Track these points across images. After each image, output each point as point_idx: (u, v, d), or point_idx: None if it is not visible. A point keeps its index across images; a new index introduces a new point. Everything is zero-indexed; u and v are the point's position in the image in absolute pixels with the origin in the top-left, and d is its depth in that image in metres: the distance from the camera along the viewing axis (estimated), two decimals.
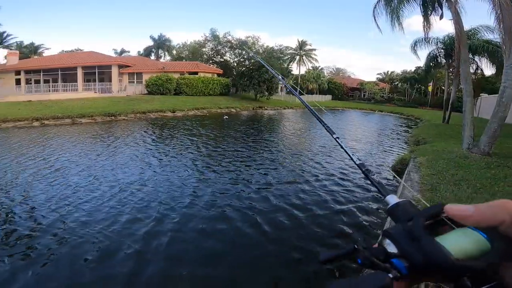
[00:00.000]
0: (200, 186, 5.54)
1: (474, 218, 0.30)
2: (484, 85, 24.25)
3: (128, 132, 11.95)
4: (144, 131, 12.19)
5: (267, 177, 6.27)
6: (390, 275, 0.28)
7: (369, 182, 0.45)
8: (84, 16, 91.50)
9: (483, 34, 15.21)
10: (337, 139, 0.58)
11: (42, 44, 45.42)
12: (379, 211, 4.68)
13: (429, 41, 16.52)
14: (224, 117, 18.29)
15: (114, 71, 26.41)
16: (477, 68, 17.11)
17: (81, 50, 44.89)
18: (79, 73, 25.55)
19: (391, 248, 0.31)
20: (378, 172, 7.15)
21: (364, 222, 4.30)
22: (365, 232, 4.03)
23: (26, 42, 42.30)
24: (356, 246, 0.32)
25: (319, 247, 3.55)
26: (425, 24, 10.35)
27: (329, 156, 8.54)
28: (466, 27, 10.97)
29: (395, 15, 9.80)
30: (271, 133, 13.41)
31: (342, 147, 0.56)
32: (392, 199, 0.37)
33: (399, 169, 7.06)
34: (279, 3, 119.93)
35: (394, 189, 5.07)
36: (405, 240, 0.30)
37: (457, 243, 0.29)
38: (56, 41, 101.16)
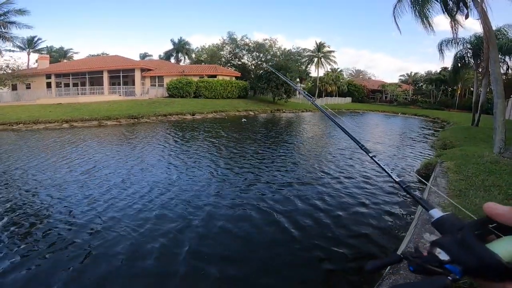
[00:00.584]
0: (223, 186, 5.64)
1: (506, 217, 0.33)
2: None
3: (152, 134, 12.37)
4: (167, 133, 12.57)
5: (287, 178, 6.25)
6: (450, 278, 0.32)
7: (409, 196, 0.47)
8: (109, 21, 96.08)
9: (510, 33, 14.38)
10: (373, 158, 0.58)
11: (71, 49, 48.19)
12: (403, 214, 4.54)
13: (456, 41, 15.83)
14: (243, 120, 18.43)
15: (137, 74, 27.40)
16: (507, 68, 16.16)
17: (106, 54, 47.17)
18: (105, 76, 26.73)
19: (442, 256, 0.34)
20: (402, 176, 6.91)
21: (389, 223, 4.18)
22: (392, 235, 3.92)
23: (56, 47, 45.05)
24: (402, 256, 0.37)
25: (339, 246, 3.50)
26: (453, 24, 9.92)
27: (350, 159, 8.38)
28: (494, 26, 10.37)
29: (422, 14, 9.44)
30: (290, 136, 13.35)
31: (380, 166, 0.56)
32: (436, 213, 0.41)
33: (424, 174, 6.79)
34: (296, 4, 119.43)
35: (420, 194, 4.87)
36: (458, 248, 0.33)
37: (506, 248, 0.32)
38: (83, 46, 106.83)
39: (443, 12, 9.55)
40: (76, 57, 46.10)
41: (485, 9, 7.87)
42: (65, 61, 40.01)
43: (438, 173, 5.56)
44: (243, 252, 3.44)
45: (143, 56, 53.24)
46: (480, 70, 16.29)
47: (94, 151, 8.55)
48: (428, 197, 4.25)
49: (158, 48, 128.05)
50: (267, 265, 3.19)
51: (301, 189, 5.63)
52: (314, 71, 42.73)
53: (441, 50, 16.35)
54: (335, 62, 43.04)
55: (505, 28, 14.39)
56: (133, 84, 27.10)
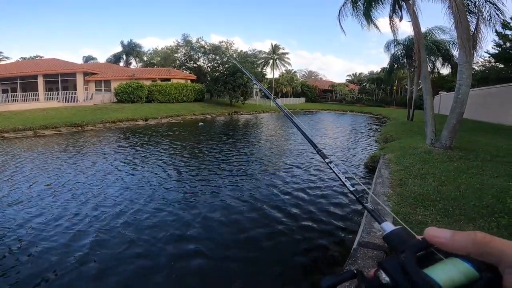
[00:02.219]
0: (169, 197, 5.40)
1: (446, 245, 0.32)
2: (443, 84, 26.24)
3: (97, 143, 11.35)
4: (114, 141, 11.65)
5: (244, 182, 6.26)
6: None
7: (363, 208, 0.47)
8: (47, 22, 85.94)
9: (436, 35, 16.55)
10: (329, 164, 0.58)
11: (1, 52, 42.10)
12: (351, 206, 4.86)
13: (397, 42, 17.66)
14: (200, 124, 18.04)
15: (79, 79, 25.04)
16: (433, 68, 18.48)
17: (41, 57, 42.12)
18: (40, 81, 23.91)
19: (386, 279, 0.32)
20: (354, 172, 7.41)
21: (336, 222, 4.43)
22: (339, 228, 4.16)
23: None
24: (355, 272, 0.36)
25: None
26: (391, 26, 10.91)
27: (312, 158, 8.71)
28: (423, 28, 11.74)
29: (366, 15, 10.21)
30: (248, 138, 13.42)
31: (335, 173, 0.56)
32: (388, 227, 0.39)
33: (371, 166, 7.40)
34: (254, 7, 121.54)
35: (369, 187, 5.27)
36: (398, 274, 0.31)
37: (446, 273, 0.30)
38: (16, 49, 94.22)
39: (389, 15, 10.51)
40: (7, 62, 40.37)
41: (415, 12, 8.86)
42: None
43: (382, 165, 6.09)
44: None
45: (87, 59, 48.95)
46: (412, 69, 18.38)
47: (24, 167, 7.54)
48: (374, 187, 4.62)
49: (106, 51, 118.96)
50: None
51: (254, 186, 5.69)
52: (270, 73, 43.87)
53: (388, 49, 18.22)
54: (289, 63, 44.75)
55: (433, 30, 16.45)
56: (75, 89, 24.68)
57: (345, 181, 0.53)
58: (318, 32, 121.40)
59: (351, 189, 0.50)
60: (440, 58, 17.46)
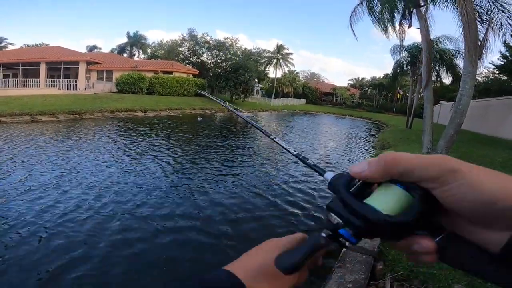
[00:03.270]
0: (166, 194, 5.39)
1: (368, 176, 0.31)
2: (444, 93, 26.29)
3: (94, 132, 11.29)
4: (111, 131, 11.61)
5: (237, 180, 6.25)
6: (323, 234, 0.33)
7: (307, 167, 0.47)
8: (53, 11, 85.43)
9: (442, 44, 16.43)
10: (274, 139, 0.60)
11: (5, 38, 41.97)
12: None
13: (402, 48, 17.52)
14: (198, 119, 18.00)
15: (82, 67, 24.93)
16: (437, 76, 18.43)
17: (46, 45, 41.94)
18: (42, 68, 23.82)
19: (337, 220, 0.32)
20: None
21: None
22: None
23: None
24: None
25: None
26: (400, 31, 10.82)
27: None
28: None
29: (381, 20, 10.07)
30: (246, 137, 13.41)
31: (279, 144, 0.58)
32: (329, 176, 0.38)
33: None
34: (260, 5, 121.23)
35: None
36: (342, 209, 0.31)
37: (383, 200, 0.30)
38: (22, 36, 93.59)
39: (390, 21, 10.43)
40: (12, 48, 40.21)
41: (427, 20, 8.83)
42: None
43: None
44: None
45: (91, 48, 48.74)
46: (415, 77, 18.36)
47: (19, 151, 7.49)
48: None
49: (111, 42, 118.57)
50: None
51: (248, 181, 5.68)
52: (272, 72, 43.83)
53: (392, 55, 18.11)
54: (292, 64, 44.68)
55: (440, 39, 16.27)
56: (76, 78, 24.58)
57: (288, 147, 0.53)
58: (322, 33, 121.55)
59: (294, 153, 0.51)
60: (444, 67, 17.37)
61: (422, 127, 8.29)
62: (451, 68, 17.13)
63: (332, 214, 0.33)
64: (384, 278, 2.44)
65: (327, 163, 8.58)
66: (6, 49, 38.77)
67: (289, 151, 0.53)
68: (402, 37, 10.94)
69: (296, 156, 0.51)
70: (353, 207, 0.30)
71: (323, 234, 0.34)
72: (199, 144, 10.09)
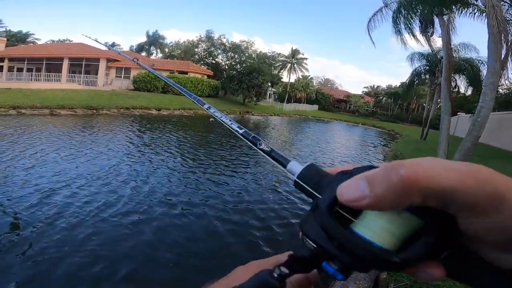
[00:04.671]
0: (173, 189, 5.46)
1: (370, 205, 0.20)
2: (463, 104, 25.54)
3: (109, 127, 11.62)
4: (126, 127, 11.89)
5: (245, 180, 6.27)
6: (275, 274, 0.23)
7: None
8: (80, 8, 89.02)
9: (464, 53, 15.85)
10: (208, 110, 0.50)
11: (32, 34, 43.92)
12: None
13: (420, 57, 17.09)
14: (211, 119, 18.17)
15: (102, 64, 25.74)
16: (455, 87, 17.80)
17: (70, 41, 43.62)
18: (65, 64, 24.70)
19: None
20: None
21: None
22: None
23: (14, 31, 40.84)
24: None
25: None
26: (426, 39, 10.59)
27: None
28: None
29: (407, 28, 9.82)
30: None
31: (216, 117, 0.47)
32: (295, 167, 0.29)
33: None
34: (277, 9, 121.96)
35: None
36: (322, 239, 0.22)
37: (379, 227, 0.21)
38: (46, 32, 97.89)
39: (420, 29, 10.22)
40: (37, 43, 42.00)
41: (449, 31, 8.64)
42: (22, 45, 36.20)
43: None
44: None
45: (111, 46, 50.16)
46: (433, 86, 17.85)
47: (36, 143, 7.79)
48: None
49: (130, 40, 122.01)
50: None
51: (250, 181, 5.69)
52: (286, 77, 43.81)
53: (411, 62, 17.70)
54: (307, 69, 44.51)
55: (458, 48, 15.71)
56: (96, 74, 25.38)
57: (231, 123, 0.41)
58: (339, 40, 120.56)
59: (240, 131, 0.39)
60: (465, 77, 16.71)
61: (437, 139, 8.07)
62: (471, 79, 16.52)
63: (307, 239, 0.24)
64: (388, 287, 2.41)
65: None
66: (32, 44, 40.53)
67: (231, 128, 0.41)
68: (428, 44, 10.73)
69: (243, 136, 0.39)
70: (340, 240, 0.21)
71: (277, 272, 0.23)
72: (215, 142, 10.20)
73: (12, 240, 3.19)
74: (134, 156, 7.40)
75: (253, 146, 0.36)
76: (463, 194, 0.18)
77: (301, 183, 0.26)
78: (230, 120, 0.43)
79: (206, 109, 0.53)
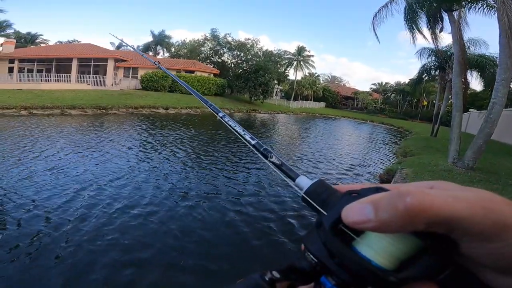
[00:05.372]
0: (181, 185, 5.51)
1: (374, 228, 0.21)
2: (474, 101, 24.95)
3: (122, 126, 11.79)
4: (135, 127, 12.05)
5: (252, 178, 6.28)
6: (266, 277, 0.24)
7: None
8: (86, 9, 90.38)
9: (475, 48, 15.46)
10: (222, 118, 0.51)
11: (41, 35, 44.73)
12: None
13: (429, 52, 16.72)
14: (218, 118, 18.24)
15: (110, 64, 26.09)
16: (465, 82, 17.32)
17: (78, 41, 44.35)
18: (74, 64, 25.15)
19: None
20: (365, 180, 7.24)
21: None
22: None
23: (23, 32, 41.67)
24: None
25: None
26: (433, 36, 10.36)
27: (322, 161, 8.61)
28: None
29: (415, 26, 9.66)
30: (265, 138, 13.43)
31: (229, 126, 0.48)
32: (304, 182, 0.29)
33: (386, 179, 7.18)
34: (284, 7, 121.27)
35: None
36: (324, 256, 0.24)
37: (380, 246, 0.22)
38: (54, 33, 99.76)
39: (427, 26, 10.00)
40: (46, 45, 42.81)
41: (461, 27, 8.43)
42: (32, 46, 36.97)
43: (398, 179, 5.91)
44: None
45: (118, 46, 50.79)
46: (443, 82, 17.46)
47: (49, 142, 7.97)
48: None
49: (136, 39, 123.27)
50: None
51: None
52: (293, 74, 43.58)
53: (420, 56, 17.33)
54: (313, 66, 44.16)
55: (468, 43, 15.33)
56: (105, 74, 25.76)
57: (244, 133, 0.42)
58: (346, 37, 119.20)
59: (252, 142, 0.40)
60: (475, 73, 16.30)
61: (448, 136, 7.91)
62: (483, 74, 16.09)
63: (309, 253, 0.25)
64: None
65: (344, 169, 8.42)
66: (42, 45, 41.34)
67: (243, 138, 0.41)
68: (435, 42, 10.47)
69: (254, 147, 0.39)
70: (340, 258, 0.23)
71: (268, 276, 0.24)
72: (218, 142, 10.25)
73: (50, 235, 3.33)
74: (152, 154, 7.62)
75: (263, 158, 0.37)
76: (469, 223, 0.18)
77: (308, 199, 0.27)
78: (243, 130, 0.44)
79: (221, 117, 0.54)
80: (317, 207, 0.26)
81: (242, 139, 0.42)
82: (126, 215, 4.01)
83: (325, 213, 0.25)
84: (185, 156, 7.72)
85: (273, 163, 0.35)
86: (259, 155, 0.38)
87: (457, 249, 0.21)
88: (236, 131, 0.45)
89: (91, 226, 3.63)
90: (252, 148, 0.39)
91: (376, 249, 0.22)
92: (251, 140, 0.40)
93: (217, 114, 0.55)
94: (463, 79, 16.00)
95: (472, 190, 0.20)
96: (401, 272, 0.21)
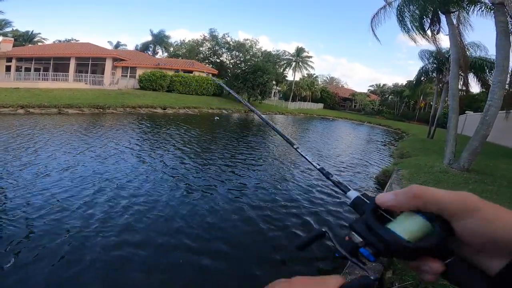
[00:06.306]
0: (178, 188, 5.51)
1: (394, 206, 0.35)
2: (471, 103, 25.10)
3: (115, 126, 11.74)
4: (132, 126, 12.01)
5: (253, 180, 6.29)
6: (372, 277, 0.32)
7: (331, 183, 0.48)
8: (87, 9, 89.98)
9: (473, 51, 15.53)
10: (297, 149, 0.60)
11: (39, 33, 44.49)
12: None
13: (428, 54, 16.77)
14: (215, 118, 18.25)
15: (108, 64, 25.98)
16: (464, 84, 17.41)
17: (76, 40, 44.14)
18: (72, 63, 25.01)
19: (357, 239, 0.35)
20: (362, 185, 7.27)
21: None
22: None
23: (21, 30, 41.46)
24: (324, 230, 0.39)
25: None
26: (433, 37, 10.43)
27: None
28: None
29: (414, 25, 9.67)
30: (261, 138, 13.44)
31: (303, 156, 0.58)
32: (353, 194, 0.41)
33: (382, 180, 7.21)
34: (284, 8, 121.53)
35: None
36: (366, 231, 0.34)
37: (405, 227, 0.33)
38: (53, 31, 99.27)
39: (423, 27, 10.05)
40: (44, 43, 42.55)
41: (459, 27, 8.49)
42: (30, 45, 36.75)
43: (394, 180, 5.94)
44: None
45: (117, 45, 50.62)
46: (440, 84, 17.55)
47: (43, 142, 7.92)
48: None
49: (135, 39, 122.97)
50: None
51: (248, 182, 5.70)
52: (291, 75, 43.63)
53: (422, 59, 17.38)
54: (312, 67, 44.27)
55: (469, 47, 15.36)
56: (103, 73, 25.64)
57: (312, 160, 0.55)
58: (346, 38, 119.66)
59: (318, 167, 0.52)
60: (472, 75, 16.37)
61: (444, 138, 7.96)
62: (480, 76, 16.17)
63: (354, 233, 0.36)
64: (393, 286, 2.40)
65: (343, 168, 8.44)
66: (40, 43, 41.10)
67: (312, 164, 0.54)
68: (435, 43, 10.53)
69: (319, 170, 0.52)
70: (377, 231, 0.33)
71: (372, 277, 0.32)
72: (225, 138, 10.23)
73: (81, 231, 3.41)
74: (159, 152, 7.72)
75: (325, 178, 0.50)
76: (449, 205, 0.31)
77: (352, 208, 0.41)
78: (312, 159, 0.56)
79: (295, 148, 0.61)
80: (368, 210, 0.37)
81: (311, 164, 0.55)
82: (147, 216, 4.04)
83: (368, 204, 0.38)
84: (192, 153, 7.72)
85: (333, 181, 0.47)
86: (323, 175, 0.51)
87: (453, 233, 0.32)
88: (307, 159, 0.57)
89: (117, 219, 3.64)
90: (319, 171, 0.52)
91: (403, 227, 0.33)
92: (317, 166, 0.53)
93: (292, 145, 0.62)
94: (462, 82, 16.14)
95: (462, 192, 0.32)
96: (417, 243, 0.32)
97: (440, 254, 0.32)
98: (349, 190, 0.42)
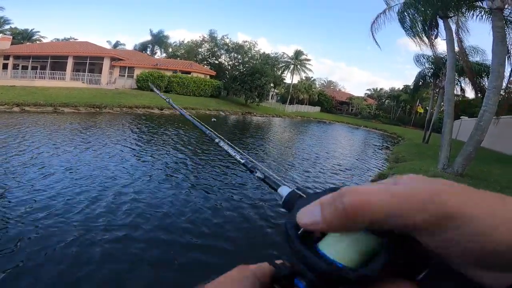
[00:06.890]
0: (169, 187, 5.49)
1: (323, 229, 0.21)
2: (466, 108, 25.35)
3: (110, 127, 11.68)
4: (128, 127, 11.96)
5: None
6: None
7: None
8: (87, 9, 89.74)
9: (470, 56, 15.60)
10: (218, 143, 0.59)
11: (38, 31, 44.27)
12: None
13: (425, 59, 16.88)
14: (212, 119, 18.23)
15: (106, 63, 25.88)
16: (461, 90, 17.57)
17: (75, 39, 43.93)
18: (69, 62, 24.89)
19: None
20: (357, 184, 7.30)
21: None
22: None
23: (20, 28, 41.28)
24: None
25: None
26: (431, 42, 10.53)
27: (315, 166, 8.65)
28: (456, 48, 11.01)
29: (417, 30, 9.73)
30: (257, 140, 13.45)
31: (225, 150, 0.56)
32: (284, 191, 0.31)
33: None
34: (284, 11, 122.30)
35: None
36: (292, 254, 0.23)
37: (340, 245, 0.22)
38: (52, 30, 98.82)
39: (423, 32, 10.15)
40: (42, 42, 42.33)
41: (458, 32, 8.60)
42: (28, 43, 36.52)
43: None
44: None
45: (115, 45, 50.46)
46: (436, 89, 17.72)
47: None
48: None
49: (135, 39, 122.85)
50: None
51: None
52: (289, 78, 43.79)
53: (416, 63, 17.50)
54: (310, 70, 44.42)
55: (466, 51, 15.41)
56: (100, 73, 25.53)
57: (235, 154, 0.51)
58: (345, 41, 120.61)
59: (242, 161, 0.48)
60: (467, 80, 16.47)
61: (439, 142, 8.02)
62: (476, 82, 16.25)
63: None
64: None
65: (336, 170, 8.48)
66: (38, 42, 40.86)
67: (235, 159, 0.49)
68: (432, 48, 10.65)
69: (243, 165, 0.46)
70: (302, 257, 0.22)
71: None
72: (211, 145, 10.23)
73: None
74: (160, 152, 7.78)
75: (251, 172, 0.45)
76: (405, 218, 0.18)
77: (284, 209, 0.30)
78: (235, 153, 0.53)
79: (217, 143, 0.61)
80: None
81: (234, 158, 0.51)
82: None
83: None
84: (193, 152, 7.70)
85: (258, 177, 0.42)
86: (247, 170, 0.45)
87: (420, 244, 0.20)
88: (228, 152, 0.54)
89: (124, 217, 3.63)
90: (242, 165, 0.48)
91: (337, 248, 0.22)
92: (241, 160, 0.48)
93: (213, 140, 0.61)
94: (459, 87, 16.13)
95: (432, 181, 0.20)
96: (361, 270, 0.20)
97: (407, 270, 0.21)
98: (280, 186, 0.34)
